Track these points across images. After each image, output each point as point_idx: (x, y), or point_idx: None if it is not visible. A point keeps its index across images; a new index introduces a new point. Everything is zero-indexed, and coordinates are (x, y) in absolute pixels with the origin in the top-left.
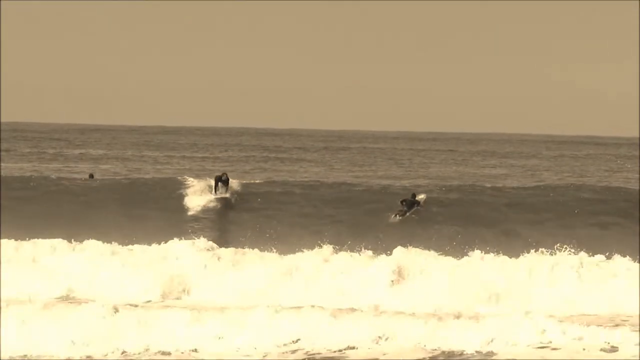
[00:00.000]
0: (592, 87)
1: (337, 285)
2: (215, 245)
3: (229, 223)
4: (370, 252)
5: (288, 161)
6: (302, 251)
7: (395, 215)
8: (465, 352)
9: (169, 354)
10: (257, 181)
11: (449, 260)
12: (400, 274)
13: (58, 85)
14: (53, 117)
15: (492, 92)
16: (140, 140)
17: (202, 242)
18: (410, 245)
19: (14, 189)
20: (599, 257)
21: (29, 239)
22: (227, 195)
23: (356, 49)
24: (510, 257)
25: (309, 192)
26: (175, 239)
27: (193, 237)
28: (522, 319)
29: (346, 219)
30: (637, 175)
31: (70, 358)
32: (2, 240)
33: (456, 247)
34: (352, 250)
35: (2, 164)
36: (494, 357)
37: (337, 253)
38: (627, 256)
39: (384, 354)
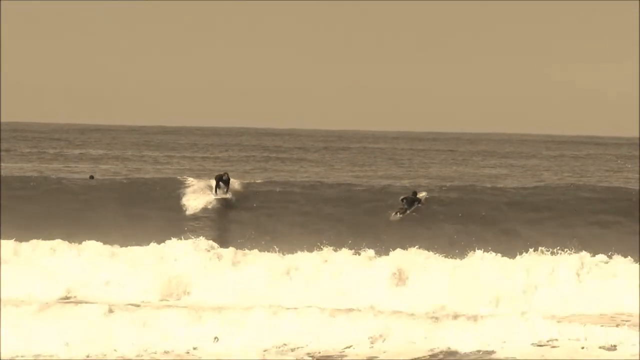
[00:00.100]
0: (592, 87)
1: (337, 286)
2: (215, 245)
3: (229, 223)
4: (370, 252)
5: (288, 161)
6: (302, 251)
7: (396, 213)
8: (465, 352)
9: (169, 353)
10: (258, 181)
11: (449, 261)
12: (400, 274)
13: (58, 85)
14: (53, 117)
15: (492, 92)
16: (140, 140)
17: (202, 242)
18: (410, 245)
19: (14, 189)
20: (599, 257)
21: (28, 239)
22: (228, 195)
23: (356, 49)
24: (510, 257)
25: (309, 192)
26: (175, 239)
27: (193, 237)
28: (521, 318)
29: (346, 218)
30: (637, 175)
31: (69, 358)
32: (2, 241)
33: (456, 247)
34: (352, 250)
35: (2, 164)
36: (493, 356)
37: (336, 252)
38: (628, 256)
39: (383, 353)
